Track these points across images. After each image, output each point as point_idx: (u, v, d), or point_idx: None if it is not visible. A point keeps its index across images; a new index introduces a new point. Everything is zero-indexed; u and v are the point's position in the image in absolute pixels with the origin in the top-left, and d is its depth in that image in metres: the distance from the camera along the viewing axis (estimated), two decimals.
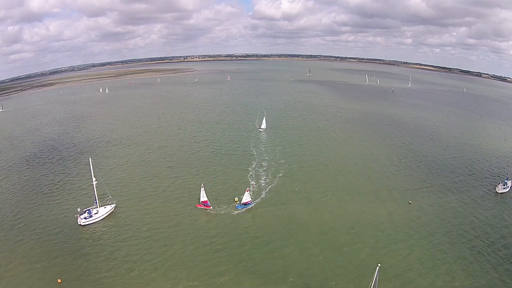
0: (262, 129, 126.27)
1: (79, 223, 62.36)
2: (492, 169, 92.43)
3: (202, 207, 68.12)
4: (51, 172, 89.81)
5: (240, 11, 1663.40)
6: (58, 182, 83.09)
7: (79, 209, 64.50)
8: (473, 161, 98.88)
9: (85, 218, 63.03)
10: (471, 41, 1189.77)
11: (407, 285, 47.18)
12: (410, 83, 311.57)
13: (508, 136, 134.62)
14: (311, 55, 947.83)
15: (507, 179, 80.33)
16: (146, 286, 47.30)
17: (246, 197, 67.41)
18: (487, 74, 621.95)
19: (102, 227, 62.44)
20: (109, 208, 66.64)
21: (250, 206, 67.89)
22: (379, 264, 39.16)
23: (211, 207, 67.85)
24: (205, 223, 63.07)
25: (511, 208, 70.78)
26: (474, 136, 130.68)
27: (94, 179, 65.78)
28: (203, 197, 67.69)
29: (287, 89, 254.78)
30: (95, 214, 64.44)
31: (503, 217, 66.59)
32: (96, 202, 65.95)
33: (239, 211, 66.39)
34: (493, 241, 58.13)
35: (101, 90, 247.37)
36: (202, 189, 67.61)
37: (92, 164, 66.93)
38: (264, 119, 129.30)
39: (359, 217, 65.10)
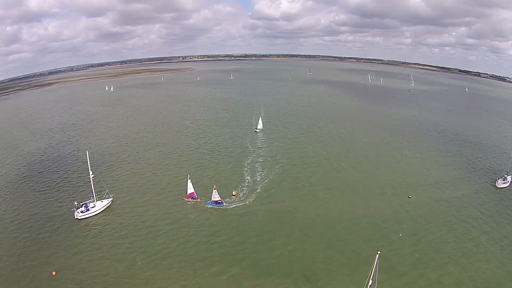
0: (259, 129, 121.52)
1: (75, 217, 61.74)
2: (492, 165, 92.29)
3: (190, 199, 67.53)
4: (48, 168, 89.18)
5: (239, 11, 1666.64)
6: (56, 178, 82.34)
7: (76, 203, 63.94)
8: (474, 157, 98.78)
9: (81, 212, 62.43)
10: (471, 41, 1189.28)
11: (408, 279, 46.72)
12: (413, 82, 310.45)
13: (508, 133, 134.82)
14: (310, 55, 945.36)
15: (507, 174, 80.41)
16: (143, 282, 46.45)
17: (215, 196, 65.09)
18: (486, 74, 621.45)
19: (99, 221, 61.77)
20: (106, 202, 66.05)
21: (223, 206, 65.50)
22: (379, 252, 38.66)
23: (199, 200, 67.28)
24: (203, 220, 62.15)
25: (510, 202, 70.42)
26: (474, 132, 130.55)
27: (91, 172, 65.13)
28: (190, 189, 67.08)
29: (288, 88, 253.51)
30: (92, 208, 63.82)
31: (503, 211, 66.24)
32: (93, 196, 65.31)
33: (234, 208, 65.58)
34: (494, 235, 57.73)
35: (106, 88, 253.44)
36: (189, 181, 66.92)
37: (88, 157, 66.30)
38: (260, 119, 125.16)
39: (359, 212, 64.62)
